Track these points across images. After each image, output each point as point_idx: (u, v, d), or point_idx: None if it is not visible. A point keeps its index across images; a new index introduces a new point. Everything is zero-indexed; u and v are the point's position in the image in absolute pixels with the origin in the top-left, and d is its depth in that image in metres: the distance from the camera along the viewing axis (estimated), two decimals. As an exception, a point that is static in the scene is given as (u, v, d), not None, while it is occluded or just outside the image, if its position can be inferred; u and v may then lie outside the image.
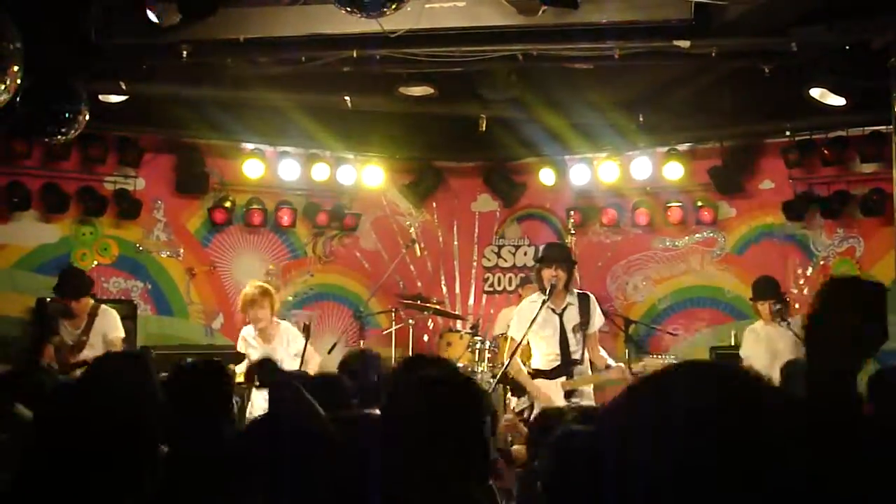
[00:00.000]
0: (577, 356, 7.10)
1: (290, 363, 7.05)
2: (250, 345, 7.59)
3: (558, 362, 7.11)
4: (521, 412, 7.21)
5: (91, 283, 8.07)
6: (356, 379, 4.84)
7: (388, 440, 2.50)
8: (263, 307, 7.52)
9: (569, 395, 7.02)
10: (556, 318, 7.09)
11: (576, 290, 7.30)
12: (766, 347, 7.80)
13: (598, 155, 10.44)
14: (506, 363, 7.11)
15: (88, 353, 7.44)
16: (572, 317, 7.11)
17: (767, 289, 8.05)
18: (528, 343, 7.23)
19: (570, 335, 7.10)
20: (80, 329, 7.70)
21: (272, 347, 7.45)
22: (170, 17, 6.29)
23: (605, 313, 7.63)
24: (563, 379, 7.08)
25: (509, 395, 7.76)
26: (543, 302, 6.96)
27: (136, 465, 2.48)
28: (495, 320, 10.19)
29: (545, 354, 7.18)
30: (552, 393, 7.02)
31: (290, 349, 7.47)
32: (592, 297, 7.29)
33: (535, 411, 7.15)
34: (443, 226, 11.43)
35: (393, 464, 2.43)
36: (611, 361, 7.17)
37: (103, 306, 7.97)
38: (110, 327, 7.77)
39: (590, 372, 7.20)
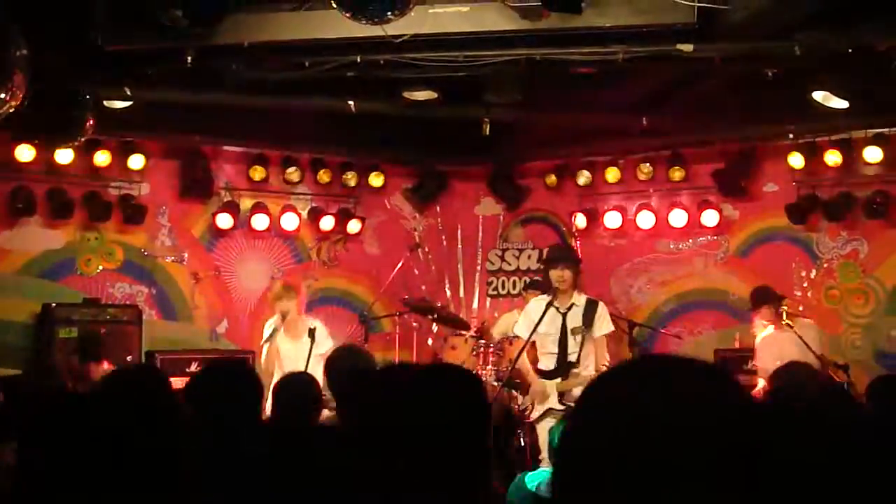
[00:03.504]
0: (573, 358, 7.14)
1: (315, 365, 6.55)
2: (278, 337, 7.34)
3: (555, 363, 7.20)
4: (523, 410, 7.34)
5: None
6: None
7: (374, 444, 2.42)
8: (290, 298, 7.39)
9: (561, 396, 7.09)
10: (560, 318, 7.17)
11: (584, 295, 7.33)
12: (777, 353, 7.74)
13: (602, 158, 10.47)
14: (514, 360, 7.28)
15: None
16: (574, 318, 7.16)
17: (763, 294, 8.09)
18: (536, 344, 7.36)
19: (569, 336, 7.15)
20: None
21: (301, 342, 7.18)
22: (177, 22, 6.31)
23: None
24: (559, 380, 7.16)
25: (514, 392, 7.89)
26: (549, 302, 7.11)
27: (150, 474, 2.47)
28: (494, 324, 10.15)
29: (547, 354, 7.28)
30: (547, 393, 7.15)
31: (319, 349, 6.99)
32: (601, 305, 7.32)
33: (535, 411, 7.26)
34: (447, 229, 11.45)
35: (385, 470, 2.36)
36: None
37: None
38: None
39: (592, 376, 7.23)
